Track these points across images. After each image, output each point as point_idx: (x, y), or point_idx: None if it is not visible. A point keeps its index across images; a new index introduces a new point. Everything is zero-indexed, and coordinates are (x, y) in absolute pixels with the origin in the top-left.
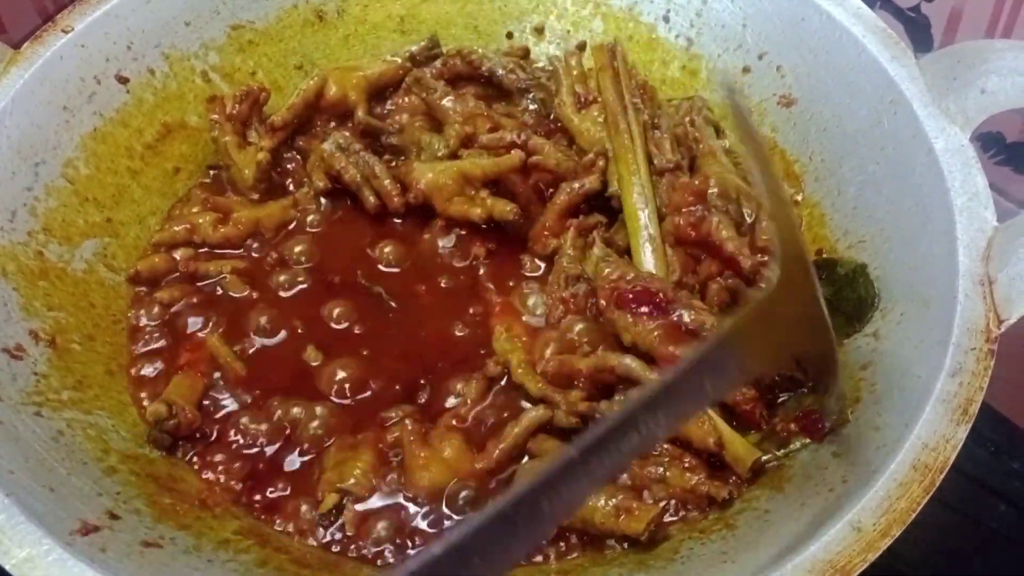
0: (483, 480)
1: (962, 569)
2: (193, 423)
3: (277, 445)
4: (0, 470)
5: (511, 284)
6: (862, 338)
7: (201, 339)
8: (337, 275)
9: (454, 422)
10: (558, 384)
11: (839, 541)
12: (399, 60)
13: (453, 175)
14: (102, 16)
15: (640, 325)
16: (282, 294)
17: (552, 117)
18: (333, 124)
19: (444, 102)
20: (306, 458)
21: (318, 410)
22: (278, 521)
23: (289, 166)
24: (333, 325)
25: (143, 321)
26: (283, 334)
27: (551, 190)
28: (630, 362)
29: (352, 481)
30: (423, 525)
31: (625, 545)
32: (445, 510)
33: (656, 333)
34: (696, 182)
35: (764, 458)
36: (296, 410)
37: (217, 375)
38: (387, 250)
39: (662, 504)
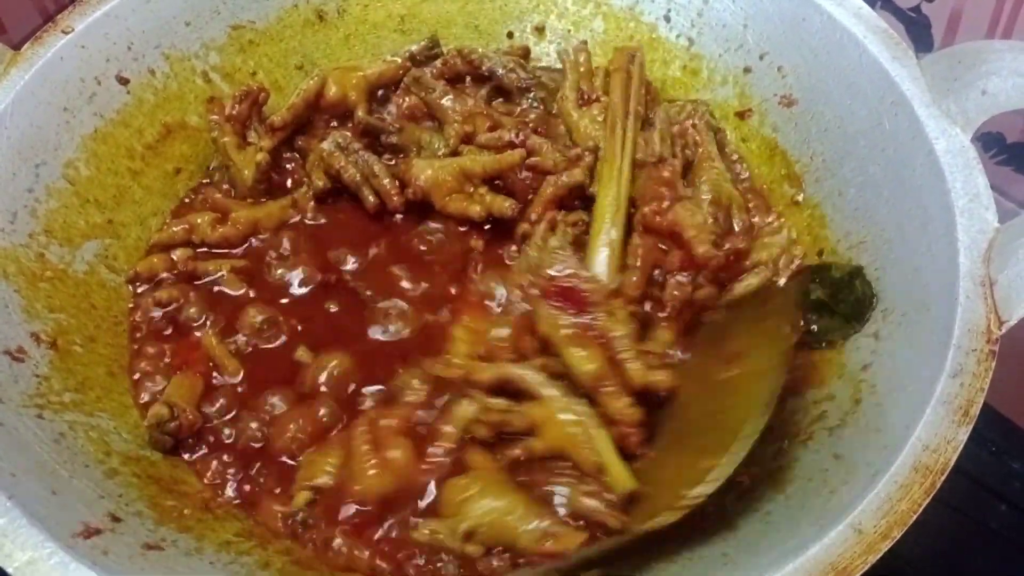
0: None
1: (962, 569)
2: (194, 424)
3: (268, 443)
4: (2, 473)
5: (476, 274)
6: (863, 339)
7: (198, 338)
8: (333, 274)
9: (395, 423)
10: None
11: (840, 543)
12: (399, 60)
13: (453, 171)
14: (102, 17)
15: (553, 319)
16: (279, 293)
17: (553, 112)
18: (333, 124)
19: (443, 101)
20: (293, 459)
21: (308, 407)
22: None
23: (288, 166)
24: (329, 324)
25: (142, 322)
26: (278, 332)
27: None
28: (530, 377)
29: (322, 479)
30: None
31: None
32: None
33: (566, 332)
34: (666, 173)
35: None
36: (287, 408)
37: (216, 375)
38: (383, 248)
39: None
